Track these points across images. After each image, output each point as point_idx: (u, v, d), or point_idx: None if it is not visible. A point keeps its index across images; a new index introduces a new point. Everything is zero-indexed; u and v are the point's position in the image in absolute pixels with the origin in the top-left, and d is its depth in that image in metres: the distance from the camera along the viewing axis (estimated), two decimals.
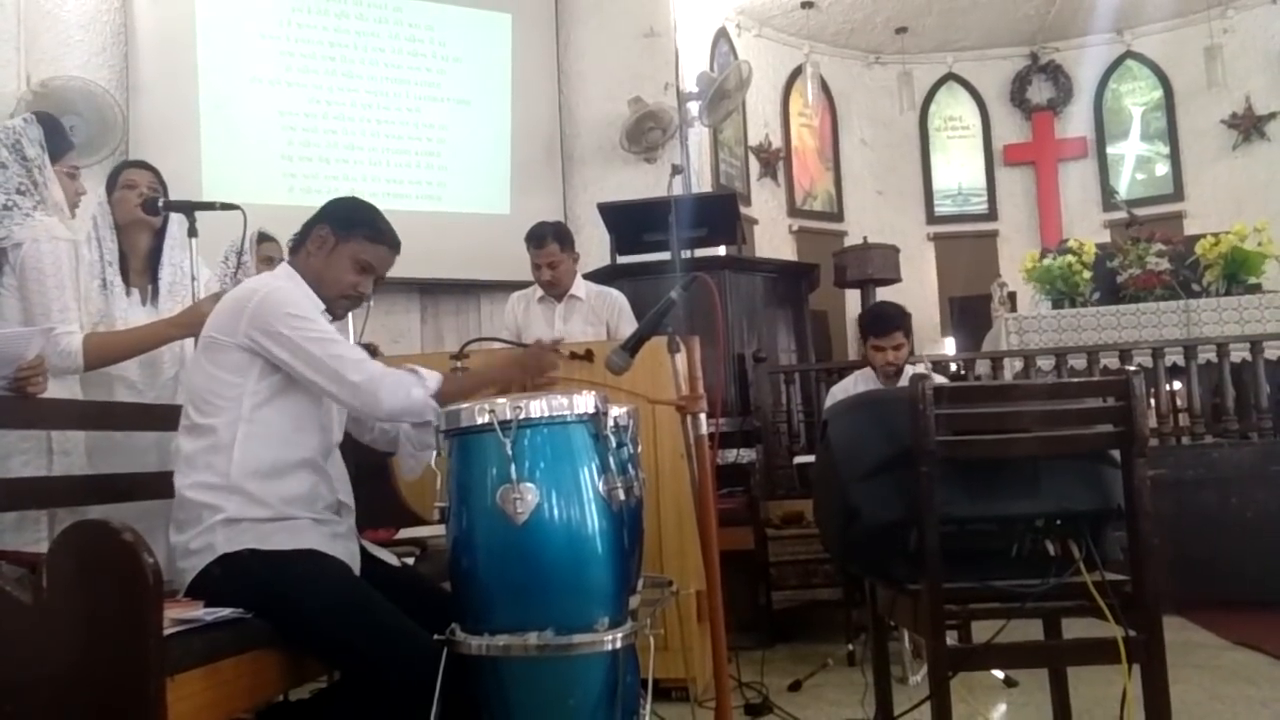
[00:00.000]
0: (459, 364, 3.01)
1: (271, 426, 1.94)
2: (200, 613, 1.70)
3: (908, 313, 4.04)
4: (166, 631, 1.50)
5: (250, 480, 1.90)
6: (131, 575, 1.42)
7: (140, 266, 2.78)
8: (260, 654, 1.76)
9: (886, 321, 3.82)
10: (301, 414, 1.99)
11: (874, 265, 6.19)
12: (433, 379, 2.03)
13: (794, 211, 8.36)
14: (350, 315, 3.39)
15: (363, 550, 2.11)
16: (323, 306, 2.07)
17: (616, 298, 4.06)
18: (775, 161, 8.21)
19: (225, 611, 1.73)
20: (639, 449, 2.07)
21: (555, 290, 4.00)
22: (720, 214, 5.21)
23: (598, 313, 3.99)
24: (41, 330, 2.35)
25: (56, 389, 2.38)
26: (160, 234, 2.79)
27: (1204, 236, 5.76)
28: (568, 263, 3.98)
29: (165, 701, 1.45)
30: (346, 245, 2.07)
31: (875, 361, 3.81)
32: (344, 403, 2.00)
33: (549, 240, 3.93)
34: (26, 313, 2.45)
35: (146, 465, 2.50)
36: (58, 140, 2.59)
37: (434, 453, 2.11)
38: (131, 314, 2.69)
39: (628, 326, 3.90)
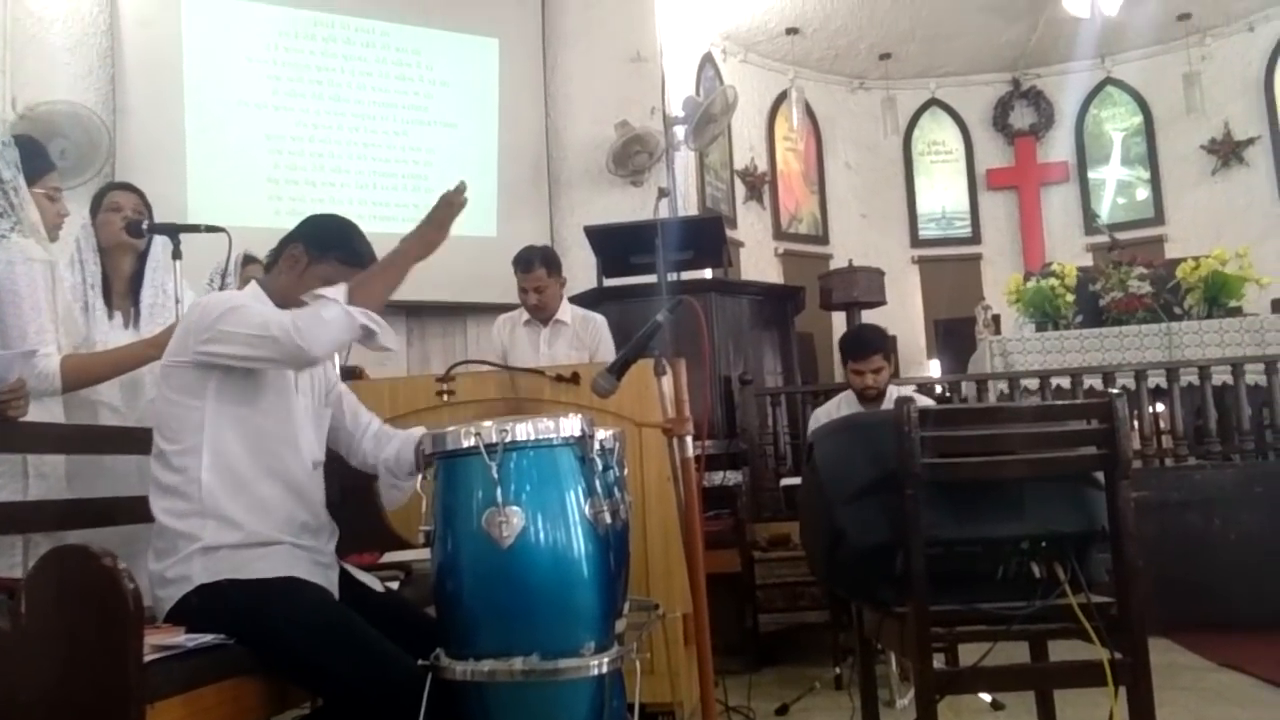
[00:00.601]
0: (445, 387, 3.01)
1: (237, 450, 1.90)
2: (181, 639, 1.68)
3: (889, 335, 4.05)
4: (147, 658, 1.49)
5: (222, 505, 1.87)
6: (112, 601, 1.41)
7: (123, 289, 2.76)
8: (242, 681, 1.74)
9: (865, 345, 3.81)
10: (268, 436, 1.95)
11: (859, 288, 6.22)
12: (338, 293, 1.89)
13: (779, 234, 8.40)
14: None
15: (346, 574, 2.09)
16: None
17: (599, 323, 4.07)
18: (761, 185, 8.26)
19: (206, 638, 1.71)
20: (625, 471, 2.06)
21: (541, 314, 4.01)
22: (706, 237, 5.23)
23: (582, 337, 4.00)
24: (24, 353, 2.34)
25: (38, 412, 2.36)
26: (143, 257, 2.78)
27: (1185, 260, 5.82)
28: (554, 287, 3.99)
29: None
30: (319, 267, 2.02)
31: (855, 385, 3.81)
32: (278, 363, 1.91)
33: (536, 265, 3.94)
34: (2, 335, 2.42)
35: (128, 489, 2.47)
36: (36, 162, 2.58)
37: (415, 482, 2.07)
38: (113, 336, 2.68)
39: (605, 352, 3.92)
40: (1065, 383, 4.97)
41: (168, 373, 1.95)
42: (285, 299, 2.02)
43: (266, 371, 1.95)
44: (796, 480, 3.60)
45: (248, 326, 1.85)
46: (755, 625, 4.02)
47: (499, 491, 1.70)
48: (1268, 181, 8.13)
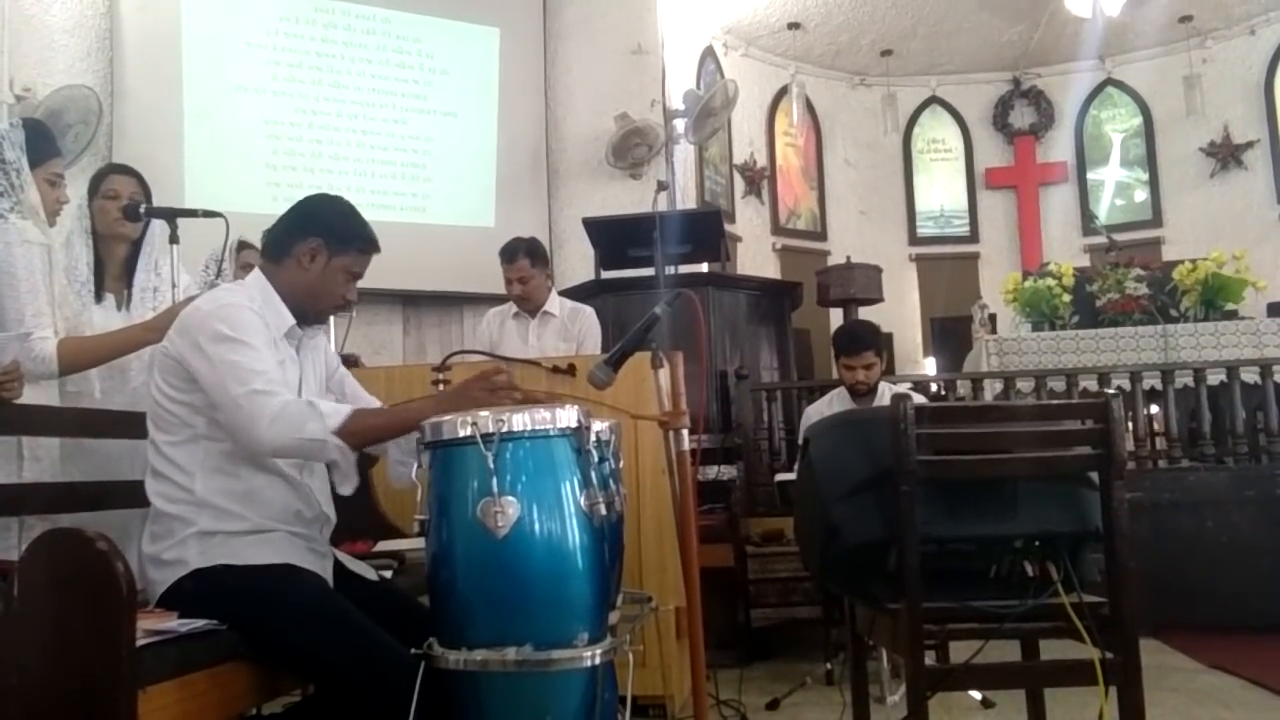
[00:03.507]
0: (441, 377, 3.01)
1: (230, 445, 1.88)
2: (174, 624, 1.68)
3: (882, 332, 4.04)
4: (139, 642, 1.48)
5: (217, 496, 1.87)
6: (105, 585, 1.41)
7: (117, 272, 2.75)
8: (234, 666, 1.74)
9: (857, 341, 3.81)
10: None
11: (856, 285, 6.22)
12: (336, 415, 1.84)
13: (778, 230, 8.40)
14: (331, 325, 3.40)
15: (340, 564, 2.09)
16: (289, 323, 2.00)
17: (588, 314, 4.08)
18: (760, 180, 8.26)
19: (199, 623, 1.71)
20: (621, 464, 2.06)
21: (528, 305, 4.03)
22: (705, 231, 5.23)
23: (570, 328, 4.01)
24: (16, 336, 2.33)
25: (34, 395, 2.35)
26: (139, 240, 2.77)
27: (1182, 263, 5.83)
28: (539, 278, 4.01)
29: (137, 713, 1.43)
30: (340, 259, 2.02)
31: (845, 380, 3.82)
32: (228, 428, 1.84)
33: (520, 255, 3.97)
34: None
35: (120, 473, 2.47)
36: (40, 146, 2.57)
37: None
38: (105, 319, 2.66)
39: (591, 343, 3.94)
40: (1060, 383, 4.98)
41: (162, 364, 1.94)
42: (313, 293, 2.03)
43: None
44: (791, 476, 3.60)
45: (231, 380, 1.81)
46: (748, 620, 4.02)
47: (494, 481, 1.69)
48: (1266, 185, 8.15)
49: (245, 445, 1.84)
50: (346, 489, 1.98)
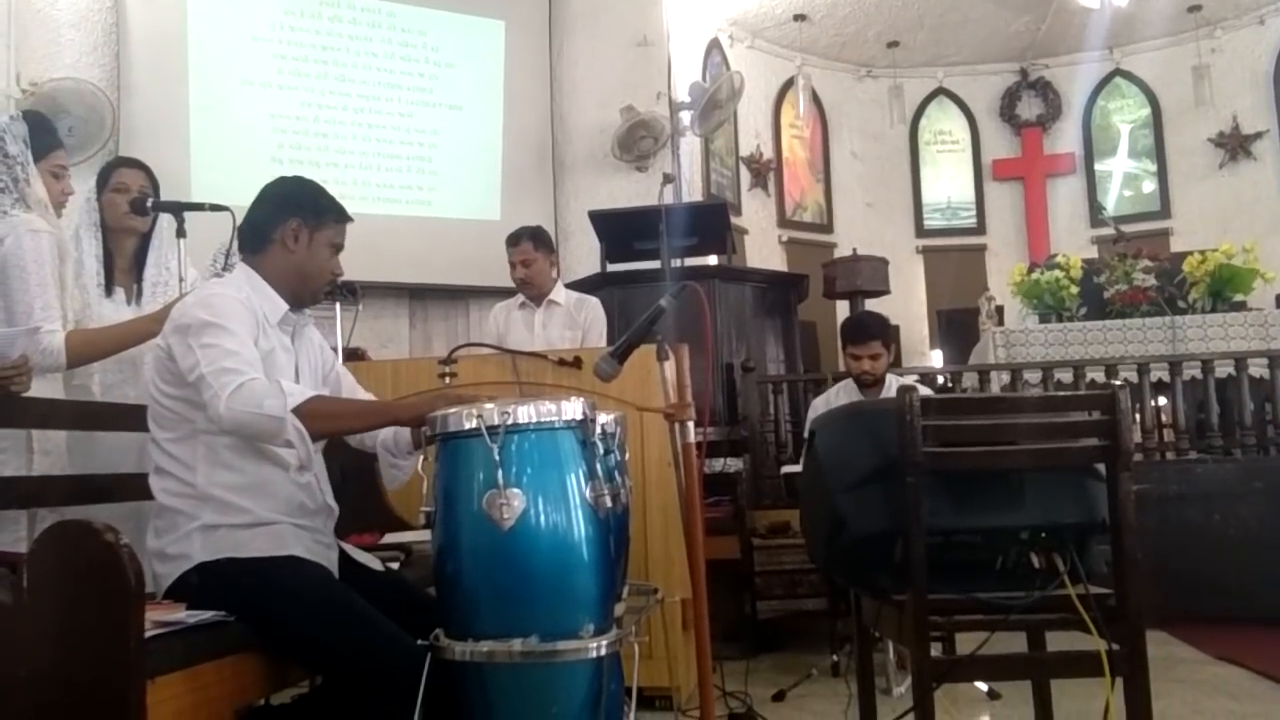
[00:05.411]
0: (447, 369, 3.02)
1: (230, 438, 1.89)
2: (182, 615, 1.69)
3: (889, 323, 4.04)
4: (147, 634, 1.49)
5: (220, 490, 1.88)
6: (113, 577, 1.41)
7: (126, 266, 2.76)
8: (242, 658, 1.75)
9: (864, 330, 3.83)
10: None
11: (863, 277, 6.21)
12: (297, 396, 1.83)
13: (784, 222, 8.38)
14: (338, 319, 3.41)
15: (346, 555, 2.10)
16: (283, 310, 2.02)
17: (594, 304, 4.09)
18: (766, 172, 8.24)
19: (207, 614, 1.72)
20: (626, 456, 2.06)
21: (531, 291, 4.05)
22: (711, 223, 5.22)
23: (575, 318, 4.03)
24: (28, 330, 2.34)
25: (41, 388, 2.36)
26: (148, 235, 2.78)
27: (1190, 254, 5.81)
28: (542, 263, 4.03)
29: (145, 704, 1.44)
30: (322, 233, 2.05)
31: (851, 369, 3.84)
32: (198, 405, 1.86)
33: (524, 239, 4.03)
34: (8, 310, 2.42)
35: (127, 465, 2.48)
36: (42, 138, 2.57)
37: (415, 461, 2.06)
38: (115, 313, 2.67)
39: (596, 333, 3.96)
40: (1068, 375, 4.97)
41: (157, 360, 1.95)
42: (303, 273, 2.04)
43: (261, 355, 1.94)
44: (797, 468, 3.59)
45: (210, 357, 1.83)
46: (754, 612, 4.03)
47: (500, 473, 1.70)
48: (1275, 176, 8.10)
49: (212, 422, 1.84)
50: (398, 475, 2.02)
